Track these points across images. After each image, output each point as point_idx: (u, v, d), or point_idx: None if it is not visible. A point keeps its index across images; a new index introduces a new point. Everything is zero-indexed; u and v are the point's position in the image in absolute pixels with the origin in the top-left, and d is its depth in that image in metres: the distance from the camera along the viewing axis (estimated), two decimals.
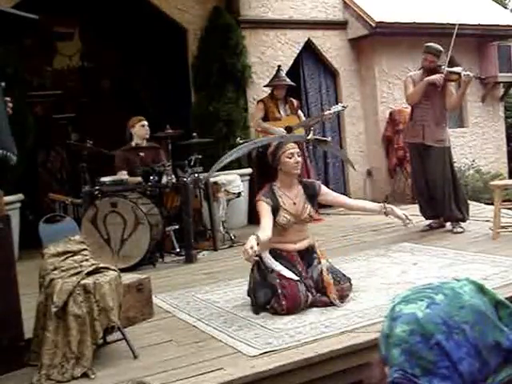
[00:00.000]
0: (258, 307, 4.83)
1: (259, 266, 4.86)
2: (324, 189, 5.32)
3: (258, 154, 6.19)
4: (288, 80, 8.98)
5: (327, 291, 4.84)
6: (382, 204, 5.24)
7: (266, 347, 3.96)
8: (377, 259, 6.43)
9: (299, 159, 5.11)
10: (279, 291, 4.68)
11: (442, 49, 7.60)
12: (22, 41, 8.96)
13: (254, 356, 3.84)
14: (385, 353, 1.21)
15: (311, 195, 5.14)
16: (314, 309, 4.71)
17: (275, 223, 4.91)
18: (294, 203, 5.03)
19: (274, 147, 5.23)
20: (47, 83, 11.61)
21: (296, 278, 4.76)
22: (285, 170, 5.06)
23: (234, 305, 5.10)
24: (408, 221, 5.10)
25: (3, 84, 4.13)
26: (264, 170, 5.26)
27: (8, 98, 4.18)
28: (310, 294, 4.77)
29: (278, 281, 4.72)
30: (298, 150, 5.20)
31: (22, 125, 8.44)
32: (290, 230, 5.00)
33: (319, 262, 4.98)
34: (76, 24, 11.67)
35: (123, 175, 7.68)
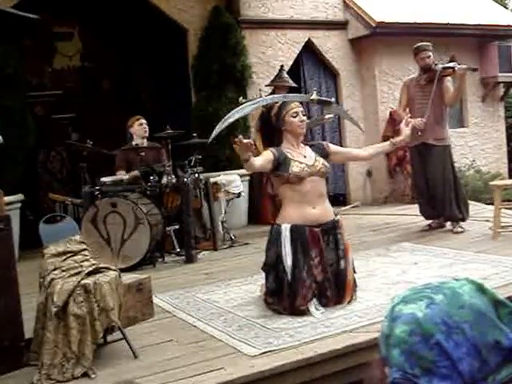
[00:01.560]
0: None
1: (277, 243, 4.71)
2: (332, 147, 5.19)
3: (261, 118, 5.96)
4: (290, 81, 8.96)
5: (344, 294, 4.81)
6: (390, 141, 5.25)
7: (265, 347, 3.96)
8: (377, 259, 6.44)
9: (304, 118, 4.95)
10: (285, 290, 4.64)
11: (428, 43, 7.69)
12: (22, 41, 8.96)
13: (254, 356, 3.85)
14: (385, 353, 1.22)
15: (321, 154, 4.98)
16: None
17: (289, 178, 4.74)
18: (305, 156, 4.88)
19: (277, 108, 5.04)
20: (47, 83, 11.61)
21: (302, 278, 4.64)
22: (290, 130, 4.91)
23: (233, 305, 5.11)
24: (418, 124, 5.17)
25: None
26: (269, 137, 5.07)
27: None
28: (313, 299, 4.66)
29: (286, 278, 4.63)
30: (302, 109, 5.04)
31: (21, 125, 8.45)
32: (307, 184, 4.78)
33: (344, 255, 4.82)
34: (76, 24, 11.67)
35: (122, 175, 7.68)
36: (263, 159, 4.76)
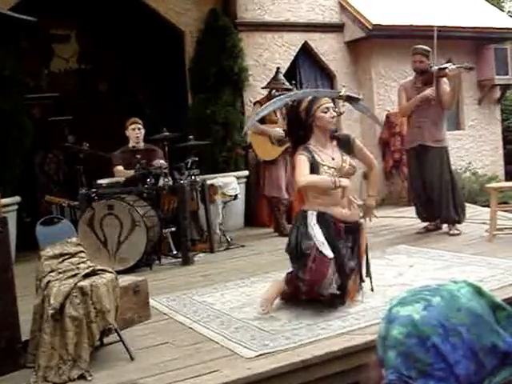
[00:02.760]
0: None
1: (302, 224, 4.70)
2: (357, 144, 5.12)
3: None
4: (287, 83, 8.96)
5: (350, 294, 4.86)
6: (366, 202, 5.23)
7: (262, 349, 3.96)
8: (373, 261, 6.40)
9: (335, 114, 4.89)
10: (308, 264, 4.55)
11: (429, 48, 7.67)
12: (19, 43, 8.95)
13: (251, 358, 3.85)
14: (381, 355, 1.22)
15: (346, 149, 4.95)
16: (310, 310, 4.71)
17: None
18: (333, 158, 4.82)
19: (306, 102, 4.94)
20: (44, 85, 11.60)
21: (331, 255, 4.57)
22: (320, 125, 4.84)
23: (230, 307, 5.11)
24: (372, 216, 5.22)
25: None
26: (297, 133, 4.98)
27: None
28: (335, 281, 4.59)
29: (309, 253, 4.57)
30: (333, 105, 5.00)
31: (19, 127, 8.44)
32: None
33: (358, 257, 4.90)
34: (73, 26, 11.66)
35: (119, 172, 7.69)
36: (308, 170, 4.72)
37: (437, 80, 7.52)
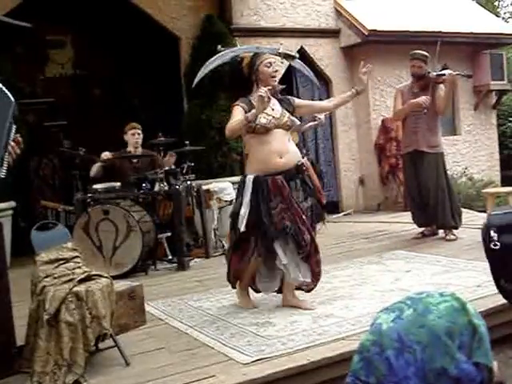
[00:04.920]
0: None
1: (242, 192, 4.95)
2: (297, 101, 5.34)
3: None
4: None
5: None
6: (353, 88, 5.60)
7: (258, 354, 3.95)
8: (369, 267, 6.44)
9: (277, 68, 5.07)
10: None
11: (427, 54, 7.66)
12: (14, 48, 8.94)
13: (247, 363, 3.84)
14: None
15: (287, 108, 5.10)
16: (307, 316, 4.70)
17: (256, 128, 4.85)
18: (272, 109, 4.97)
19: (250, 58, 5.15)
20: (39, 91, 11.60)
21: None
22: (263, 79, 5.01)
23: (226, 312, 5.10)
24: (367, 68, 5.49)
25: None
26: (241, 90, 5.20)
27: (19, 138, 3.90)
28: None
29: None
30: (275, 60, 5.18)
31: None
32: (273, 135, 4.90)
33: (313, 194, 5.06)
34: (68, 32, 11.67)
35: (95, 166, 7.70)
36: (237, 118, 4.87)
37: (434, 86, 7.52)
